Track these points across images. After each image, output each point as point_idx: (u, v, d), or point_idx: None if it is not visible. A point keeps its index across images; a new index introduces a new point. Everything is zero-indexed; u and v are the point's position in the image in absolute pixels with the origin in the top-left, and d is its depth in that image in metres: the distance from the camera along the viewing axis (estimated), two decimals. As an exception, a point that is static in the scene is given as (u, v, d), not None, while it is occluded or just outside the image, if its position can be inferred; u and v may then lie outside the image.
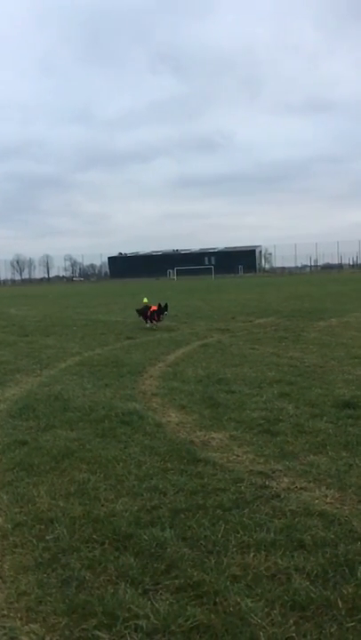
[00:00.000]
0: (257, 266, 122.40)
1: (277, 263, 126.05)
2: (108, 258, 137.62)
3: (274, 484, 3.65)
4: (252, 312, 16.96)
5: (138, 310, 14.33)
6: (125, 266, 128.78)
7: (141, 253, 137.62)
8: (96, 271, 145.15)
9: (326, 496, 3.44)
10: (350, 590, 2.43)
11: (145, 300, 15.32)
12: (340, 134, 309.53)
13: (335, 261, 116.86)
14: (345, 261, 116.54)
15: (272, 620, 2.27)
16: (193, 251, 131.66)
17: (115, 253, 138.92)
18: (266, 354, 8.92)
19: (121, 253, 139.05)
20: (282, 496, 3.46)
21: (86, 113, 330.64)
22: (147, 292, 32.22)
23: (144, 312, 13.74)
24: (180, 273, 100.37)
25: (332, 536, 2.91)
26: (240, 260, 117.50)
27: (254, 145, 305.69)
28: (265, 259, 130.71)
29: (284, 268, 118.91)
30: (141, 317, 13.85)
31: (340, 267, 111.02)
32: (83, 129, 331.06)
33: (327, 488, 3.56)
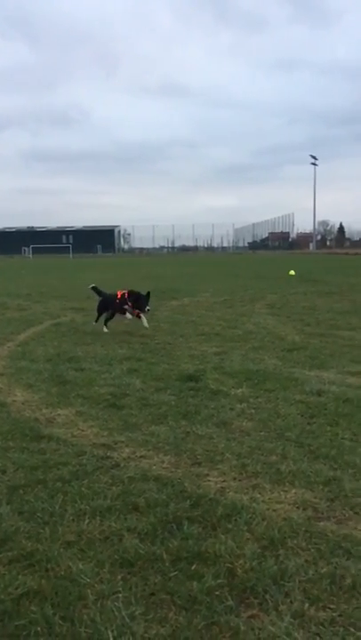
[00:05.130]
0: (116, 246, 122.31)
1: (136, 244, 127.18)
2: None
3: (115, 454, 3.79)
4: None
5: (101, 296, 9.30)
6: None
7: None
8: None
9: (163, 462, 3.66)
10: (176, 544, 2.64)
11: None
12: (195, 120, 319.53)
13: (191, 243, 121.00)
14: (200, 244, 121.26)
15: (101, 578, 2.40)
16: (50, 228, 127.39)
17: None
18: (118, 332, 9.05)
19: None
20: (122, 465, 3.60)
21: None
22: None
23: (111, 301, 8.95)
24: (36, 251, 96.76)
25: (165, 497, 3.12)
26: (99, 240, 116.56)
27: (112, 123, 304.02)
28: (124, 239, 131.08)
29: (142, 248, 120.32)
30: (102, 314, 9.09)
31: (195, 249, 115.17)
32: None
33: (165, 455, 3.78)
